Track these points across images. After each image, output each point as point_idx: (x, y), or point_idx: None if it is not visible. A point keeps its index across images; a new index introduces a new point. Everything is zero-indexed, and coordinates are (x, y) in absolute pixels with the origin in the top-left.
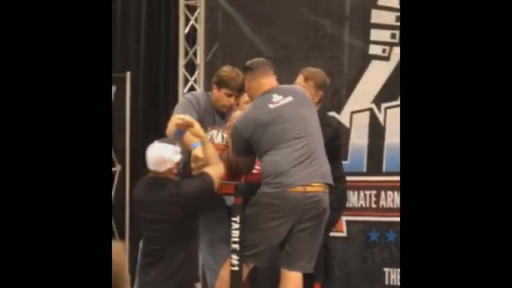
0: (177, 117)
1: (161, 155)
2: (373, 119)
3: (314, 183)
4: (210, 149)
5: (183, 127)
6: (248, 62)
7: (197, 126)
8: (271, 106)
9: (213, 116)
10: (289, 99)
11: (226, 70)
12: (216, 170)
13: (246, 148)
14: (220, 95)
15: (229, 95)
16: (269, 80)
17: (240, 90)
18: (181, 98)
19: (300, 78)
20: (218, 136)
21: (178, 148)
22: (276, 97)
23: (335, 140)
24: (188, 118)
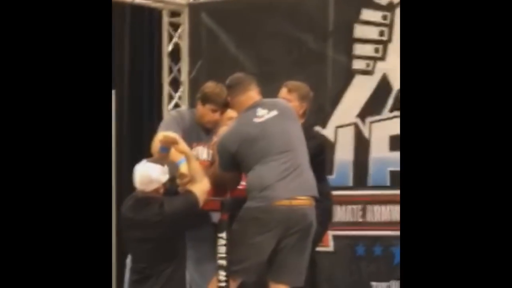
0: (161, 134)
1: (149, 175)
2: (358, 133)
3: (299, 196)
4: (195, 165)
5: (168, 144)
6: (228, 79)
7: (182, 143)
8: (256, 120)
9: (198, 132)
10: (274, 113)
11: (210, 86)
12: (201, 187)
13: (232, 163)
14: (205, 111)
15: (214, 111)
16: (252, 95)
17: (224, 105)
18: (165, 115)
19: (283, 91)
20: (204, 152)
21: (165, 169)
22: (260, 111)
23: (320, 154)
24: (172, 134)
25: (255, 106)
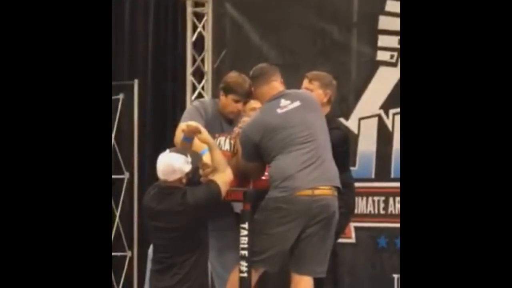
0: (184, 124)
1: (171, 164)
2: (381, 125)
3: (321, 186)
4: (218, 155)
5: (191, 134)
6: (252, 69)
7: (205, 132)
8: (279, 111)
9: (221, 123)
10: (297, 104)
11: (233, 76)
12: (223, 177)
13: (255, 153)
14: (228, 101)
15: (237, 101)
16: (275, 85)
17: (247, 95)
18: (188, 106)
19: (305, 82)
20: (226, 143)
21: (188, 159)
22: (283, 102)
23: (343, 144)
24: (194, 124)
25: (278, 96)
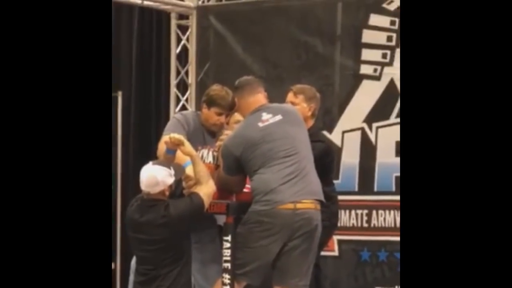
0: (166, 136)
1: (155, 177)
2: (365, 138)
3: (304, 199)
4: (200, 167)
5: (174, 146)
6: (237, 81)
7: (187, 145)
8: (260, 124)
9: (203, 135)
10: (278, 117)
11: (216, 89)
12: (206, 189)
13: (236, 167)
14: (210, 114)
15: (219, 114)
16: (259, 98)
17: (230, 108)
18: (170, 118)
19: (290, 95)
20: (209, 155)
21: (171, 171)
22: (265, 116)
23: (326, 157)
24: (177, 136)
25: (260, 110)
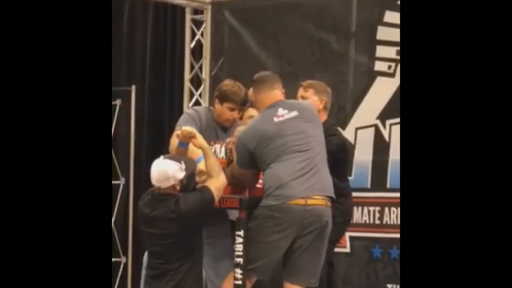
0: (178, 129)
1: (165, 171)
2: (378, 135)
3: (315, 196)
4: (212, 161)
5: (186, 139)
6: (255, 75)
7: (199, 137)
8: (275, 119)
9: (216, 130)
10: (294, 113)
11: (228, 84)
12: (217, 183)
13: (250, 161)
14: (223, 109)
15: (232, 109)
16: (275, 94)
17: (242, 104)
18: (183, 113)
19: (300, 90)
20: (222, 150)
21: (183, 166)
22: (281, 111)
23: (341, 151)
24: (189, 129)
25: (276, 105)
